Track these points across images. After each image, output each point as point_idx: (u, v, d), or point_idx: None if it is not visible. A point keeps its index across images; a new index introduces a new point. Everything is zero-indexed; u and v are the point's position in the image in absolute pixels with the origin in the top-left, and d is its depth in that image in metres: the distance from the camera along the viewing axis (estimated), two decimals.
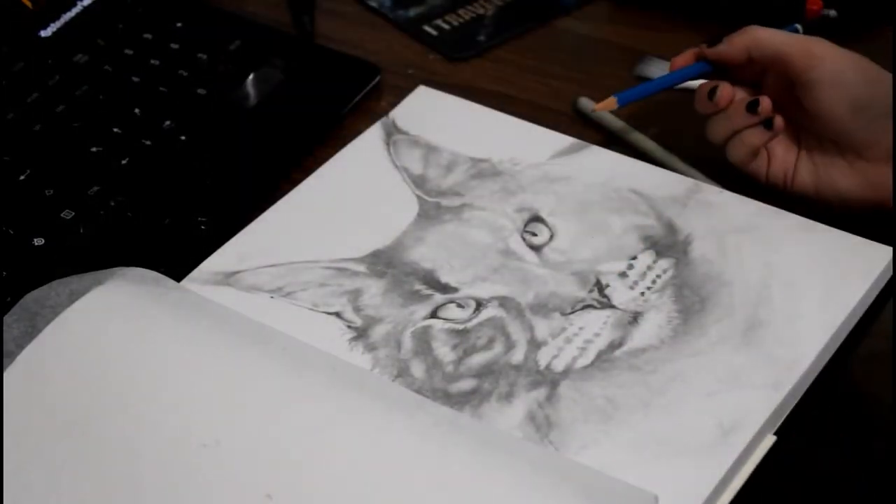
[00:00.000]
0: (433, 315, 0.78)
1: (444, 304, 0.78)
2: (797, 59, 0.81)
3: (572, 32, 1.00)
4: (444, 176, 0.86)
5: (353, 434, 0.69)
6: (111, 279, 0.77)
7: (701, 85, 0.84)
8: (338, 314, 0.79)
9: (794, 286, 0.77)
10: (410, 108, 0.91)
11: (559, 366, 0.74)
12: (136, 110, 0.92)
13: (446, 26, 1.00)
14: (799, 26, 0.90)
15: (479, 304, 0.78)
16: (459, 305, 0.78)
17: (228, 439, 0.70)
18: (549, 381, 0.74)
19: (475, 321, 0.77)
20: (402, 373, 0.75)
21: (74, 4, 1.00)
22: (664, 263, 0.79)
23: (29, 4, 1.00)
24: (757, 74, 0.84)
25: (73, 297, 0.76)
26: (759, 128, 0.82)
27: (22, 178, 0.87)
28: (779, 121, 0.82)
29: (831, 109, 0.80)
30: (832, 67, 0.80)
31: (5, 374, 0.73)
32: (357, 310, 0.79)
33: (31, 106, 0.92)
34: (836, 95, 0.80)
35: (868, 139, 0.80)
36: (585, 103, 0.92)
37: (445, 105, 0.91)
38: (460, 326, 0.77)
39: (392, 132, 0.89)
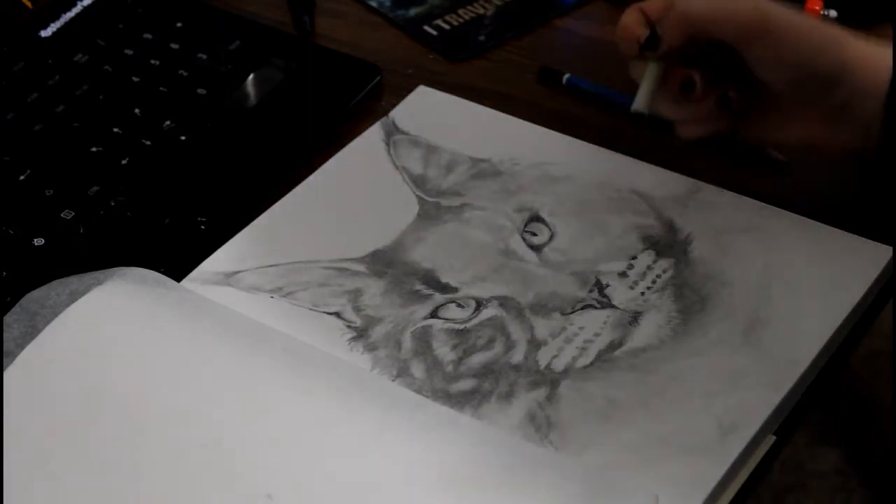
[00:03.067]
0: (433, 315, 0.78)
1: (444, 304, 0.78)
2: (735, 34, 0.78)
3: (572, 32, 1.00)
4: (444, 176, 0.86)
5: (353, 434, 0.69)
6: (111, 279, 0.77)
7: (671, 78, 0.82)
8: (338, 314, 0.79)
9: (794, 286, 0.77)
10: (410, 108, 0.91)
11: (559, 366, 0.74)
12: (136, 110, 0.92)
13: (446, 26, 1.00)
14: None
15: (479, 304, 0.78)
16: (459, 305, 0.78)
17: (228, 439, 0.70)
18: (549, 381, 0.74)
19: (475, 321, 0.77)
20: (402, 373, 0.75)
21: (74, 4, 1.00)
22: (664, 263, 0.79)
23: (29, 4, 1.00)
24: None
25: (73, 297, 0.76)
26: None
27: (22, 178, 0.87)
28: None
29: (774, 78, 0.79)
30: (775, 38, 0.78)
31: (5, 374, 0.73)
32: (357, 310, 0.79)
33: (31, 106, 0.92)
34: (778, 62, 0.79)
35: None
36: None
37: (445, 105, 0.91)
38: (460, 326, 0.77)
39: (392, 132, 0.89)
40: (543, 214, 0.83)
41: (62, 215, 0.85)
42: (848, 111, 0.78)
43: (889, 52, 0.76)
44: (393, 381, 0.74)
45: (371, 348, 0.76)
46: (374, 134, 0.89)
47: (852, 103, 0.77)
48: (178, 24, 0.98)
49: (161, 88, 0.94)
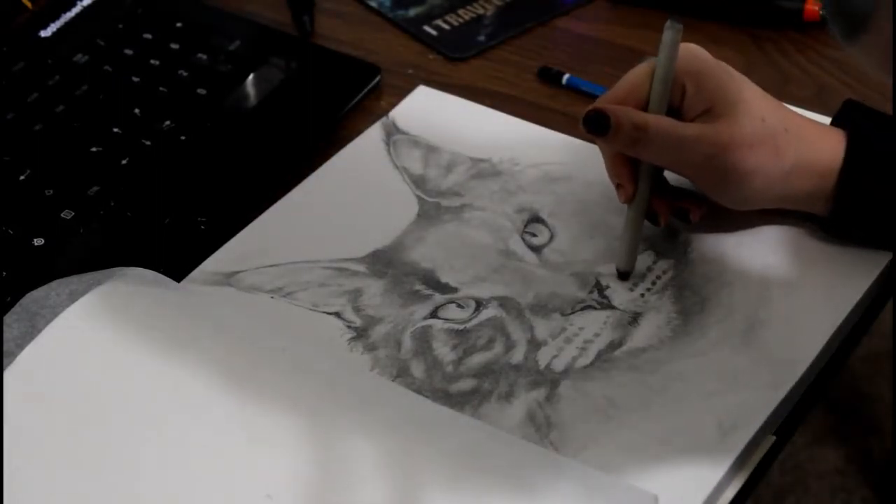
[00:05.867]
0: (433, 315, 0.78)
1: (443, 304, 0.78)
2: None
3: (572, 32, 1.00)
4: (444, 176, 0.86)
5: (352, 434, 0.69)
6: (111, 279, 0.77)
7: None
8: (338, 314, 0.79)
9: (794, 286, 0.77)
10: (410, 108, 0.91)
11: (559, 366, 0.74)
12: (136, 110, 0.92)
13: (446, 26, 1.00)
14: None
15: (479, 304, 0.78)
16: (459, 305, 0.78)
17: (228, 439, 0.70)
18: (549, 381, 0.74)
19: (475, 321, 0.77)
20: (401, 373, 0.75)
21: (74, 4, 1.00)
22: (664, 264, 0.79)
23: (29, 4, 1.00)
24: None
25: (73, 297, 0.76)
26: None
27: (22, 178, 0.87)
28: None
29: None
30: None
31: (5, 374, 0.73)
32: (357, 310, 0.79)
33: (31, 106, 0.92)
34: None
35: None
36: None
37: (445, 105, 0.91)
38: (460, 326, 0.77)
39: (392, 132, 0.89)
40: (543, 215, 0.83)
41: (62, 215, 0.85)
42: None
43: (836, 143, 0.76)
44: (393, 381, 0.74)
45: (371, 348, 0.76)
46: (374, 134, 0.89)
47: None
48: (178, 24, 0.98)
49: (161, 88, 0.93)
